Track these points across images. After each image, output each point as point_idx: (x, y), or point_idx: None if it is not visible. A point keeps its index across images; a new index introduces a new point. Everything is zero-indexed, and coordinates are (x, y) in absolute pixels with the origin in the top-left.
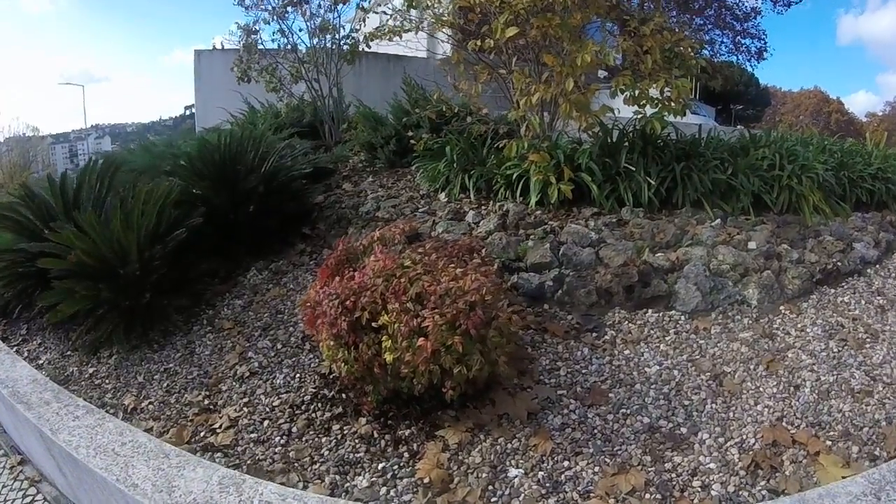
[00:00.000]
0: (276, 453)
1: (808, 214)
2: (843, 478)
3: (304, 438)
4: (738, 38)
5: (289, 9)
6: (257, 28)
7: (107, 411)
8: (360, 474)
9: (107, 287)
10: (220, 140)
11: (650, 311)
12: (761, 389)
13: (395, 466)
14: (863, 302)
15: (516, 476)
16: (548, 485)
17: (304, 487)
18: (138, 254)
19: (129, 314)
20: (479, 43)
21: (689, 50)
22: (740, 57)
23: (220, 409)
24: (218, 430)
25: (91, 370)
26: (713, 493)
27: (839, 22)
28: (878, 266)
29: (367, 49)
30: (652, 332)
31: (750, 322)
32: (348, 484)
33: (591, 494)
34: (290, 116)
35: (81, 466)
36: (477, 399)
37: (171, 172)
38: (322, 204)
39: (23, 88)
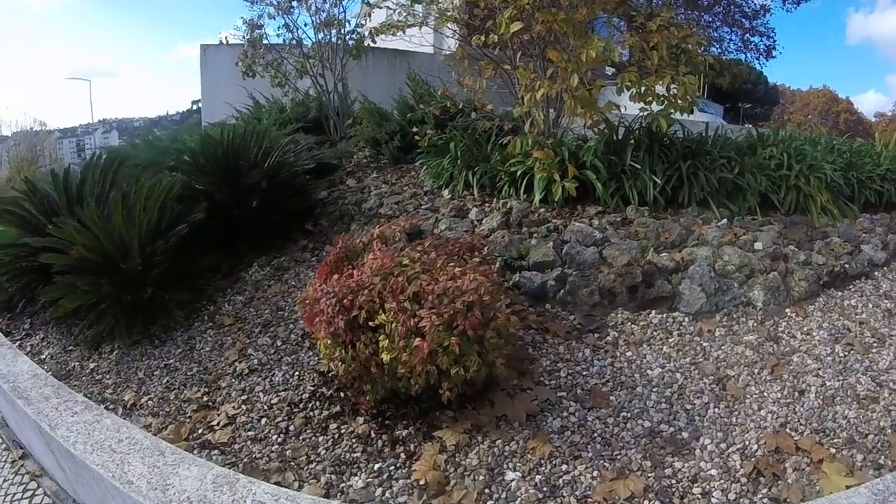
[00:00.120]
0: (272, 452)
1: (816, 215)
2: (847, 487)
3: (301, 437)
4: (747, 35)
5: (294, 3)
6: (262, 23)
7: (107, 407)
8: (356, 474)
9: (108, 282)
10: (222, 135)
11: (653, 312)
12: (765, 394)
13: (392, 467)
14: (870, 305)
15: (513, 479)
16: (545, 489)
17: (300, 487)
18: (140, 249)
19: (131, 309)
20: (483, 38)
21: (696, 46)
22: (749, 55)
23: (219, 406)
24: (216, 428)
25: (92, 365)
26: (713, 500)
27: (849, 21)
28: (885, 269)
29: (372, 44)
30: (655, 333)
31: (755, 325)
32: (344, 484)
33: (589, 500)
34: (295, 111)
35: (79, 462)
36: (475, 400)
37: (175, 167)
38: (325, 200)
39: (30, 83)
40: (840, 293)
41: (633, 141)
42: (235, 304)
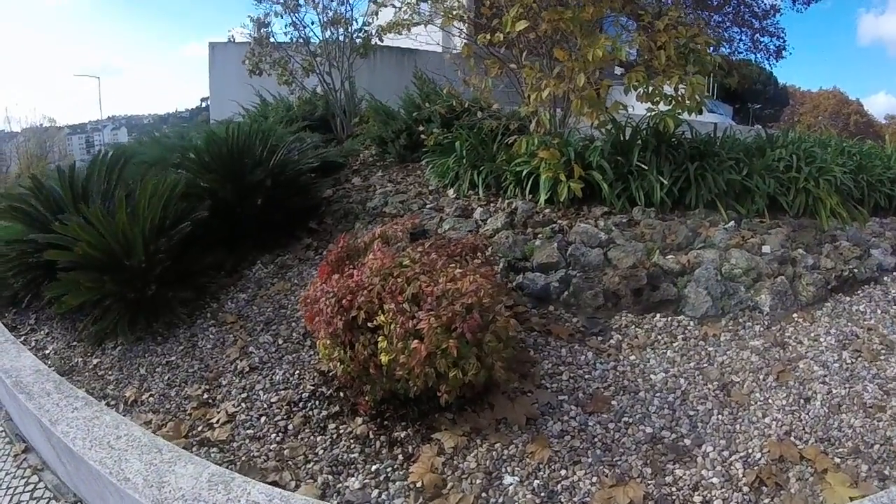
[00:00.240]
0: (270, 450)
1: (825, 218)
2: (851, 499)
3: (299, 436)
4: (757, 35)
5: (301, 1)
6: (269, 21)
7: (108, 403)
8: (352, 475)
9: (111, 279)
10: (227, 133)
11: (658, 315)
12: (770, 401)
13: (389, 469)
14: (878, 311)
15: (511, 484)
16: (543, 494)
17: (297, 487)
18: (143, 246)
19: (134, 306)
20: (488, 37)
21: (705, 46)
22: (759, 55)
23: (219, 404)
24: (215, 425)
25: (95, 361)
26: None
27: (859, 22)
28: (895, 274)
29: (379, 42)
30: (659, 337)
31: (761, 329)
32: (340, 485)
33: None
34: (301, 109)
35: (77, 458)
36: (475, 402)
37: (180, 165)
38: (330, 198)
39: (40, 80)
40: (848, 298)
41: (640, 141)
42: (238, 301)
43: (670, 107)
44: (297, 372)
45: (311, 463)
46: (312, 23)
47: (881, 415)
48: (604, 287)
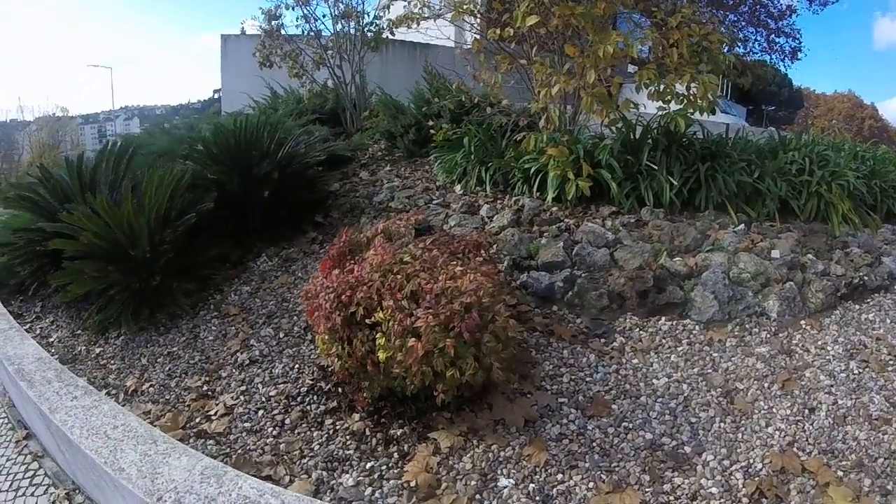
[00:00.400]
0: (266, 444)
1: (837, 224)
2: None
3: (296, 431)
4: (773, 36)
5: None
6: (280, 13)
7: (109, 392)
8: (347, 472)
9: (116, 269)
10: (235, 125)
11: (663, 318)
12: (774, 410)
13: (384, 467)
14: (888, 321)
15: (506, 487)
16: (538, 498)
17: (291, 482)
18: (149, 237)
19: (139, 296)
20: (498, 32)
21: (718, 45)
22: (773, 56)
23: (218, 396)
24: (213, 417)
25: (98, 350)
26: None
27: (875, 25)
28: None
29: (391, 36)
30: (664, 341)
31: (768, 336)
32: (334, 481)
33: None
34: (312, 103)
35: (75, 446)
36: (474, 402)
37: (188, 156)
38: (337, 192)
39: (53, 69)
40: (858, 306)
41: (650, 140)
42: (242, 294)
43: (682, 106)
44: (297, 366)
45: (307, 458)
46: (324, 16)
47: (887, 428)
48: (609, 288)
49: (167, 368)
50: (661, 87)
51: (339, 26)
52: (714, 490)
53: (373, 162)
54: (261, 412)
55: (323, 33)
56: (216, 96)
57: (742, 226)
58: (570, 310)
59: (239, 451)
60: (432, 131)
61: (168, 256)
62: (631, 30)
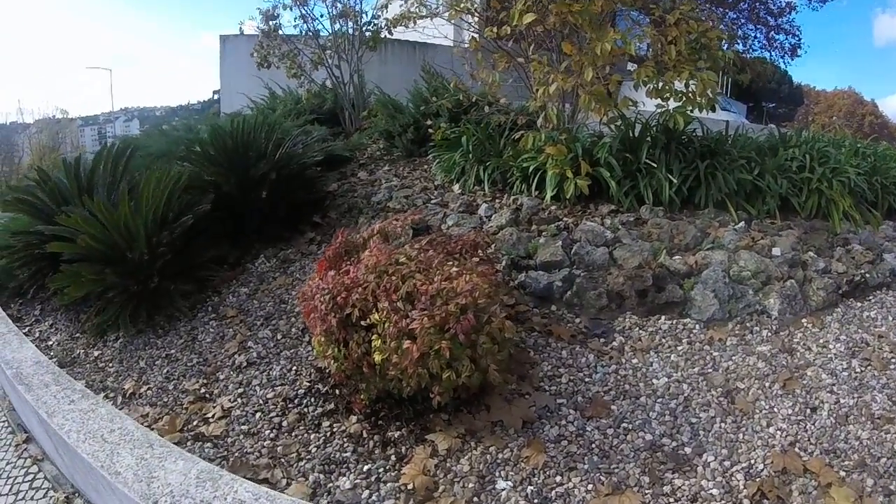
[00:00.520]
0: (264, 447)
1: (837, 221)
2: None
3: (293, 433)
4: (772, 33)
5: None
6: (277, 13)
7: (107, 395)
8: (344, 475)
9: (113, 271)
10: (232, 125)
11: (663, 317)
12: (775, 410)
13: (381, 469)
14: (890, 318)
15: (504, 489)
16: (536, 501)
17: (288, 485)
18: (146, 239)
19: (137, 299)
20: (495, 30)
21: (716, 41)
22: (773, 53)
23: (215, 399)
24: (210, 420)
25: (97, 353)
26: None
27: (876, 22)
28: None
29: (389, 35)
30: (663, 340)
31: (769, 335)
32: (331, 484)
33: None
34: (310, 103)
35: (72, 450)
36: (471, 403)
37: (185, 158)
38: (335, 192)
39: (52, 71)
40: (859, 304)
41: (649, 138)
42: (239, 295)
43: (681, 103)
44: (295, 368)
45: (304, 461)
46: (322, 15)
47: (889, 427)
48: (608, 287)
49: (165, 371)
50: (660, 84)
51: (336, 26)
52: (715, 491)
53: (371, 162)
54: (258, 414)
55: (321, 33)
56: (216, 97)
57: (742, 223)
58: (569, 309)
59: (236, 454)
60: (431, 131)
61: (165, 258)
62: (629, 27)
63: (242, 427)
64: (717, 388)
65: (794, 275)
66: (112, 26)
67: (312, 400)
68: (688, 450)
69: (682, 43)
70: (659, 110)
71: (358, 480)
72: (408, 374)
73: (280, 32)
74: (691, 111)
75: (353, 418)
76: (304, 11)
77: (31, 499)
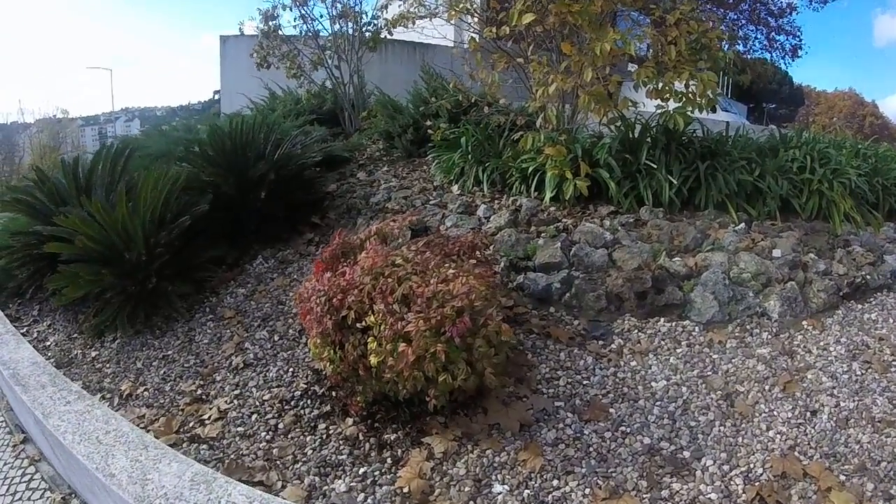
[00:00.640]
0: (259, 449)
1: (838, 222)
2: None
3: (289, 435)
4: (773, 34)
5: None
6: (277, 14)
7: (103, 396)
8: (339, 478)
9: (110, 272)
10: (231, 126)
11: (662, 319)
12: (775, 413)
13: (377, 472)
14: (891, 320)
15: (500, 493)
16: None
17: (283, 487)
18: (144, 239)
19: (134, 299)
20: (494, 30)
21: (716, 42)
22: (774, 54)
23: (212, 400)
24: (207, 422)
25: (94, 353)
26: None
27: (876, 22)
28: None
29: (389, 36)
30: (662, 342)
31: (769, 337)
32: (326, 487)
33: None
34: (310, 103)
35: (68, 452)
36: (468, 406)
37: (184, 158)
38: (334, 192)
39: (53, 70)
40: (860, 306)
41: (649, 139)
42: (237, 296)
43: (680, 104)
44: (291, 369)
45: (300, 463)
46: (321, 16)
47: (890, 430)
48: (607, 289)
49: (162, 372)
50: (660, 84)
51: (336, 26)
52: (713, 496)
53: (370, 162)
54: (254, 416)
55: (321, 33)
56: (216, 97)
57: (742, 225)
58: (568, 311)
59: (232, 456)
60: (430, 131)
61: (163, 259)
62: (629, 27)
63: (238, 429)
64: (717, 391)
65: (795, 277)
66: (112, 25)
67: (309, 402)
68: (686, 454)
69: (683, 43)
70: (659, 111)
71: (353, 483)
72: (403, 376)
73: (280, 33)
74: (691, 112)
75: (350, 420)
76: (303, 12)
77: (28, 499)
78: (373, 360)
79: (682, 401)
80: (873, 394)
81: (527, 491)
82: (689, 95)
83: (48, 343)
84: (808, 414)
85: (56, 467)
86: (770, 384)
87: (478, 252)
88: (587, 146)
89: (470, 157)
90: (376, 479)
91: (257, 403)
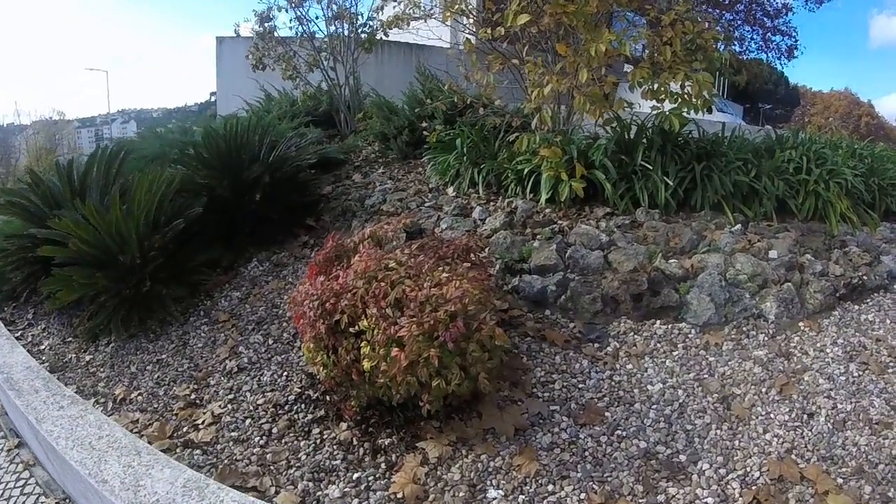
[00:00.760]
0: (253, 454)
1: (835, 223)
2: None
3: (283, 440)
4: (768, 34)
5: None
6: (272, 15)
7: (98, 400)
8: (333, 483)
9: (104, 275)
10: (225, 128)
11: (658, 322)
12: (772, 416)
13: (371, 477)
14: (888, 321)
15: (495, 498)
16: None
17: (276, 493)
18: (138, 243)
19: (129, 303)
20: (489, 31)
21: (712, 42)
22: (770, 54)
23: (206, 405)
24: (200, 427)
25: (88, 357)
26: None
27: (872, 22)
28: None
29: (384, 37)
30: (658, 345)
31: (765, 339)
32: (320, 493)
33: None
34: (305, 105)
35: (61, 457)
36: (463, 411)
37: (179, 160)
38: (329, 195)
39: (51, 71)
40: (857, 307)
41: (645, 140)
42: (232, 300)
43: (675, 105)
44: (286, 373)
45: (293, 469)
46: (317, 17)
47: (887, 432)
48: (603, 292)
49: (156, 376)
50: (655, 85)
51: (332, 28)
52: (710, 500)
53: (366, 164)
54: (248, 421)
55: (316, 35)
56: (213, 99)
57: (739, 226)
58: (563, 314)
59: (225, 462)
60: (426, 133)
61: (157, 262)
62: (625, 28)
63: (232, 434)
64: (713, 393)
65: (791, 278)
66: (113, 27)
67: (303, 406)
68: (683, 457)
69: (678, 44)
70: (655, 112)
71: (347, 489)
72: (396, 381)
73: (275, 34)
74: (687, 113)
75: (344, 425)
76: (299, 13)
77: None
78: (366, 364)
79: (678, 404)
80: (870, 395)
81: (522, 496)
82: (685, 96)
83: (43, 347)
84: (805, 416)
85: (50, 472)
86: (767, 386)
87: (472, 255)
88: (583, 147)
89: (465, 158)
90: (370, 484)
91: (251, 408)
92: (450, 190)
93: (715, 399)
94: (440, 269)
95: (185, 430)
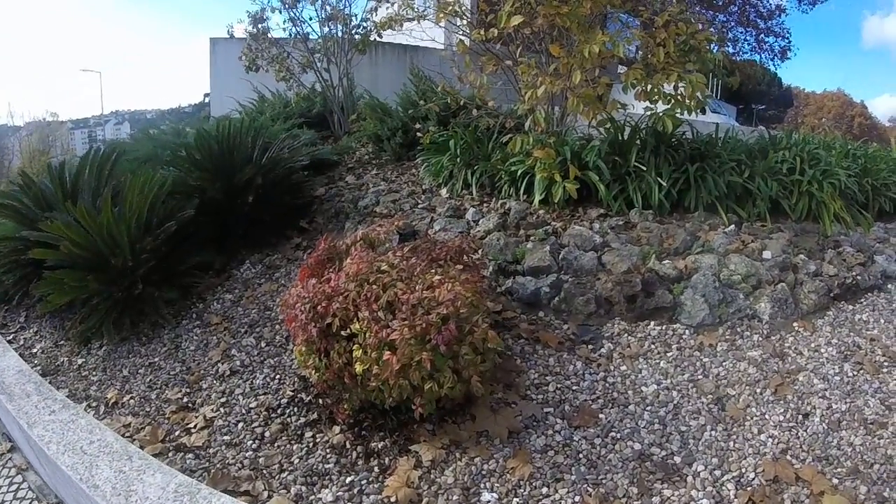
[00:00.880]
0: (245, 458)
1: (828, 223)
2: None
3: (276, 444)
4: (762, 36)
5: None
6: (265, 17)
7: (89, 404)
8: (326, 487)
9: (96, 278)
10: (218, 129)
11: (652, 323)
12: (767, 416)
13: (364, 481)
14: (882, 321)
15: (489, 501)
16: None
17: (269, 497)
18: (129, 245)
19: (121, 306)
20: (483, 32)
21: (705, 43)
22: (763, 56)
23: (198, 409)
24: (192, 430)
25: (80, 361)
26: None
27: (864, 24)
28: None
29: (378, 39)
30: (653, 346)
31: (760, 339)
32: (313, 497)
33: None
34: (299, 106)
35: (52, 462)
36: (456, 413)
37: (171, 162)
38: (323, 196)
39: (46, 72)
40: (851, 307)
41: (638, 141)
42: (224, 302)
43: (669, 106)
44: (278, 377)
45: (286, 472)
46: (311, 18)
47: (882, 432)
48: (596, 293)
49: (148, 380)
50: (649, 86)
51: (326, 29)
52: (705, 502)
53: (359, 166)
54: (241, 425)
55: (310, 36)
56: (206, 100)
57: (732, 227)
58: (557, 316)
59: (218, 466)
60: (419, 134)
61: (149, 265)
62: (618, 29)
63: (224, 437)
64: (708, 395)
65: (785, 278)
66: (111, 27)
67: (295, 409)
68: (677, 459)
69: (671, 45)
70: (648, 113)
71: (341, 493)
72: (389, 385)
73: (269, 35)
74: (680, 114)
75: (337, 428)
76: (292, 14)
77: None
78: (358, 368)
79: (672, 405)
80: (865, 395)
81: (515, 499)
82: (678, 97)
83: (35, 350)
84: (800, 417)
85: (43, 477)
86: (761, 387)
87: (465, 257)
88: (576, 149)
89: (459, 160)
90: (363, 487)
91: (244, 411)
92: (443, 191)
93: (709, 400)
94: (432, 271)
95: (177, 434)
